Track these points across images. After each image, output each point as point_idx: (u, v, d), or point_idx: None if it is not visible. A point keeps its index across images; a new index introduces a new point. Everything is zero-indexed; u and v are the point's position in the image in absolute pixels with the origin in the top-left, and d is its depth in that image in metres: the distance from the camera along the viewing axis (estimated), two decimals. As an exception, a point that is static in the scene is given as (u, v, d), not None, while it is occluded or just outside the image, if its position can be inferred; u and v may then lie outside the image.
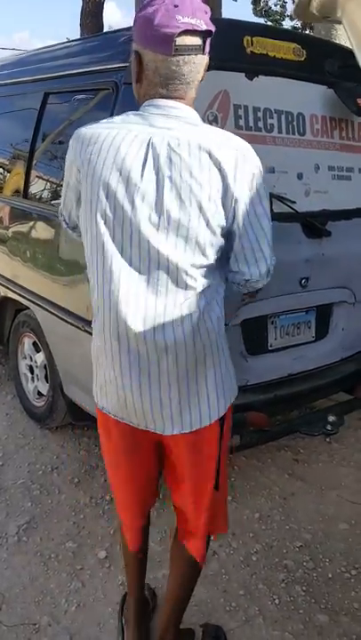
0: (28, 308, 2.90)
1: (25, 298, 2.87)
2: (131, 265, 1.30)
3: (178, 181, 1.28)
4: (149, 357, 1.33)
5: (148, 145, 1.29)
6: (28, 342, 3.05)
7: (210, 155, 1.28)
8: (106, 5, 9.01)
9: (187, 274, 1.31)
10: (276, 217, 2.27)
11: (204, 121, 1.97)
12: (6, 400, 3.36)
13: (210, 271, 1.35)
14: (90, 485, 2.58)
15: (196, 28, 1.24)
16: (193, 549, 1.63)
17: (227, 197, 1.31)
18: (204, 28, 1.25)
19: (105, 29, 9.31)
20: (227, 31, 2.21)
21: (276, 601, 1.99)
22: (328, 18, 1.66)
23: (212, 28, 1.27)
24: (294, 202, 2.30)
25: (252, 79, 2.20)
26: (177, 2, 1.24)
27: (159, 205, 1.28)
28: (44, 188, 2.76)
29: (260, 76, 2.21)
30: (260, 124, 2.24)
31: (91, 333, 2.24)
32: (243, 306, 2.22)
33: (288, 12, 13.08)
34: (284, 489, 2.60)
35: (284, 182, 2.29)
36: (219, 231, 1.33)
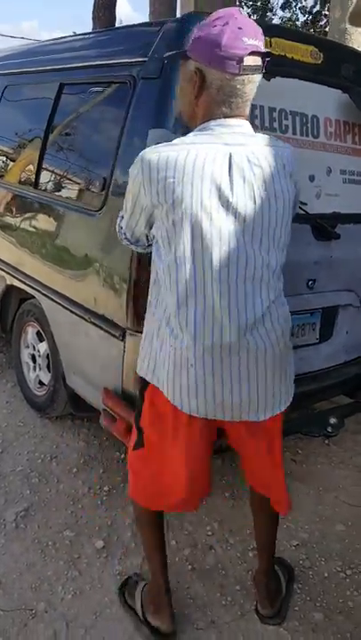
0: (33, 297, 2.91)
1: (31, 287, 2.87)
2: (232, 274, 1.41)
3: (263, 192, 1.41)
4: (252, 357, 1.46)
5: (229, 161, 1.38)
6: (31, 331, 3.06)
7: (284, 165, 1.47)
8: (117, -1, 9.01)
9: (276, 276, 1.49)
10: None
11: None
12: (7, 388, 3.37)
13: (282, 270, 1.54)
14: (88, 475, 2.60)
15: (259, 49, 1.37)
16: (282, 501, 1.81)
17: (296, 199, 1.54)
18: (263, 49, 1.38)
19: (117, 23, 9.33)
20: (246, 31, 2.23)
21: (272, 597, 2.00)
22: None
23: (268, 50, 1.41)
24: (305, 203, 2.31)
25: (269, 80, 2.20)
26: (240, 24, 1.35)
27: (252, 216, 1.40)
28: (55, 179, 2.77)
29: (277, 77, 2.23)
30: (275, 125, 2.25)
31: (97, 325, 2.28)
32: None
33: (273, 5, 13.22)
34: (282, 488, 2.61)
35: (297, 184, 2.31)
36: (290, 230, 1.52)
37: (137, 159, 1.42)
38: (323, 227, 2.37)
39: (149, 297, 1.57)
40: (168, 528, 2.29)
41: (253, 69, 1.38)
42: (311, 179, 2.38)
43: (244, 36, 1.35)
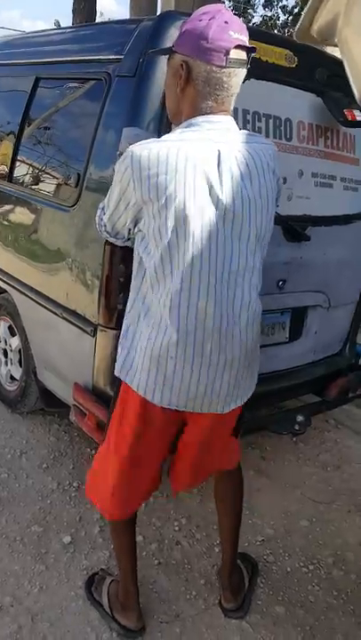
0: (5, 291, 2.89)
1: (2, 281, 2.86)
2: (219, 271, 1.43)
3: (250, 190, 1.44)
4: (229, 352, 1.49)
5: (218, 158, 1.40)
6: (3, 325, 3.04)
7: (268, 162, 1.49)
8: (99, -8, 8.94)
9: (258, 274, 1.52)
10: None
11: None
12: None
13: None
14: (58, 471, 2.60)
15: (244, 43, 1.39)
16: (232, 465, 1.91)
17: (278, 197, 1.57)
18: (248, 44, 1.40)
19: (97, 16, 9.26)
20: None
21: (236, 591, 2.04)
22: (327, 41, 1.73)
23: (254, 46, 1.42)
24: (277, 205, 2.35)
25: (243, 82, 2.23)
26: (226, 19, 1.37)
27: (240, 214, 1.43)
28: (29, 173, 2.76)
29: (251, 79, 2.24)
30: (249, 127, 2.27)
31: (68, 321, 2.29)
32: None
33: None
34: (250, 485, 2.65)
35: (269, 185, 2.34)
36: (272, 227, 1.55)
37: (126, 155, 1.40)
38: (293, 228, 2.40)
39: (131, 293, 1.57)
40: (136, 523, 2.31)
41: (239, 63, 1.39)
42: (283, 181, 2.41)
43: (230, 29, 1.37)
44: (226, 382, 1.52)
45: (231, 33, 1.37)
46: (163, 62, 2.00)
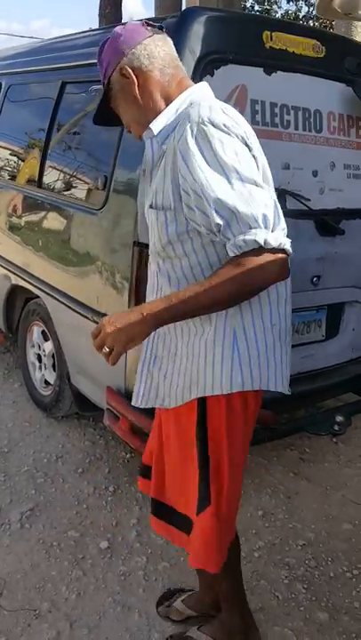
0: (38, 296, 2.91)
1: (35, 286, 2.87)
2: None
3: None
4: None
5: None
6: (37, 331, 3.06)
7: None
8: (126, -4, 9.00)
9: None
10: (289, 214, 2.29)
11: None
12: (13, 388, 3.37)
13: None
14: (94, 476, 2.59)
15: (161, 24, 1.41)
16: None
17: None
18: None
19: (125, 19, 9.30)
20: (246, 26, 2.21)
21: (278, 597, 1.99)
22: (350, 14, 1.67)
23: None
24: (309, 199, 2.29)
25: (270, 74, 2.19)
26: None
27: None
28: (57, 178, 2.77)
29: (278, 72, 2.20)
30: (277, 120, 2.23)
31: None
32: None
33: None
34: (289, 488, 2.59)
35: (299, 179, 2.28)
36: None
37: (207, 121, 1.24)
38: (326, 222, 2.34)
39: None
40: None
41: (156, 30, 1.37)
42: (315, 174, 2.36)
43: (132, 24, 1.40)
44: None
45: (133, 23, 1.39)
46: (187, 60, 1.97)
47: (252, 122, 2.14)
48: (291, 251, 1.25)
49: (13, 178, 3.23)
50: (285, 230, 1.29)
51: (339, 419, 2.47)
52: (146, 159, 1.37)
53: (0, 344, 3.83)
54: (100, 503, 2.41)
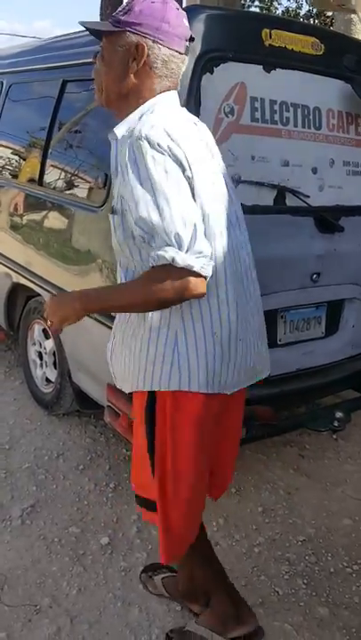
0: (39, 294, 2.92)
1: (36, 284, 2.88)
2: (240, 238, 1.50)
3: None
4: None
5: (199, 131, 1.46)
6: (37, 329, 3.07)
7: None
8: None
9: None
10: (289, 211, 2.30)
11: (219, 113, 2.01)
12: (15, 385, 3.38)
13: None
14: (94, 472, 2.60)
15: (192, 34, 1.41)
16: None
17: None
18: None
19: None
20: (245, 24, 2.22)
21: (278, 593, 2.00)
22: (343, 6, 1.68)
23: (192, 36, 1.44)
24: (308, 196, 2.30)
25: (269, 72, 2.19)
26: (176, 5, 1.37)
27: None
28: (58, 176, 2.77)
29: (277, 69, 2.21)
30: (276, 117, 2.23)
31: (100, 322, 2.28)
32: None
33: None
34: (289, 484, 2.60)
35: (299, 176, 2.29)
36: None
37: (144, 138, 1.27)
38: (326, 219, 2.35)
39: None
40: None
41: (187, 51, 1.41)
42: (314, 171, 2.36)
43: (184, 17, 1.38)
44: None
45: (185, 21, 1.38)
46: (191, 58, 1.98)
47: (252, 119, 2.15)
48: (206, 274, 1.28)
49: (14, 176, 3.24)
50: (206, 254, 1.28)
51: (338, 415, 2.48)
52: (111, 161, 1.43)
53: (1, 342, 3.84)
54: (101, 499, 2.42)
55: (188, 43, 1.40)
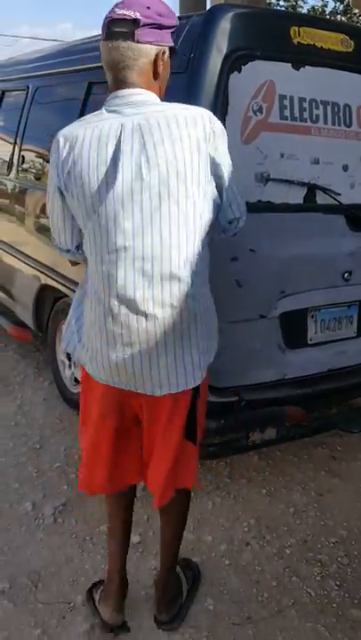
0: (66, 295, 2.94)
1: (64, 285, 2.91)
2: (127, 242, 1.41)
3: (154, 157, 1.38)
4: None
5: (120, 131, 1.40)
6: (66, 330, 3.09)
7: (184, 129, 1.40)
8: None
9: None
10: (320, 209, 2.28)
11: (248, 111, 1.99)
12: (44, 386, 3.42)
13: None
14: (125, 472, 2.61)
15: (125, 17, 1.39)
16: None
17: (206, 160, 1.44)
18: (132, 17, 1.39)
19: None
20: (273, 22, 2.21)
21: (310, 594, 1.98)
22: None
23: (143, 19, 1.39)
24: (339, 194, 2.28)
25: (298, 69, 2.18)
26: (123, 0, 1.43)
27: (143, 181, 1.39)
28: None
29: (306, 67, 2.19)
30: (306, 115, 2.21)
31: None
32: (281, 298, 2.21)
33: None
34: (321, 485, 2.58)
35: (329, 174, 2.27)
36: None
37: None
38: (358, 217, 2.32)
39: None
40: (204, 524, 2.29)
41: (117, 35, 1.40)
42: (345, 168, 2.34)
43: (117, 7, 1.42)
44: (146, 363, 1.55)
45: (116, 10, 1.41)
46: (214, 58, 1.98)
47: (281, 117, 2.13)
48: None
49: (40, 179, 3.28)
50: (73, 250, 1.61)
51: (371, 416, 2.44)
52: None
53: (28, 342, 3.88)
54: (132, 499, 2.43)
55: (125, 27, 1.40)
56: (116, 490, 1.76)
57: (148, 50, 1.43)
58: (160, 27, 1.43)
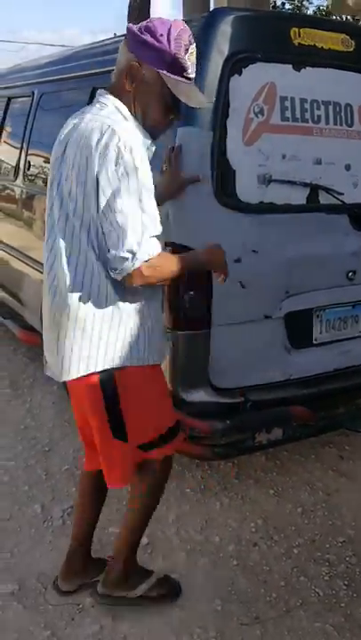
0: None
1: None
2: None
3: (70, 163, 1.53)
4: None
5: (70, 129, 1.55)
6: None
7: (88, 136, 1.47)
8: None
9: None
10: (323, 208, 2.29)
11: (249, 113, 2.00)
12: (53, 390, 3.44)
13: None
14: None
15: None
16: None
17: (91, 179, 1.48)
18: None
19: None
20: (274, 24, 2.22)
21: (318, 594, 1.98)
22: None
23: (134, 28, 1.51)
24: (342, 193, 2.28)
25: (299, 70, 2.19)
26: None
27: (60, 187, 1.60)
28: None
29: (307, 68, 2.20)
30: (307, 116, 2.22)
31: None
32: (285, 298, 2.21)
33: None
34: (328, 485, 2.58)
35: (332, 174, 2.27)
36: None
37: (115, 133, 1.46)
38: (361, 217, 2.32)
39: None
40: (212, 524, 2.30)
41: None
42: (347, 168, 2.34)
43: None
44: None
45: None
46: (215, 61, 2.00)
47: (282, 118, 2.14)
48: None
49: (46, 184, 3.30)
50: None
51: (378, 415, 2.44)
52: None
53: (38, 346, 3.91)
54: (140, 501, 2.44)
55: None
56: (91, 468, 1.88)
57: (126, 56, 1.53)
58: (144, 43, 1.49)
